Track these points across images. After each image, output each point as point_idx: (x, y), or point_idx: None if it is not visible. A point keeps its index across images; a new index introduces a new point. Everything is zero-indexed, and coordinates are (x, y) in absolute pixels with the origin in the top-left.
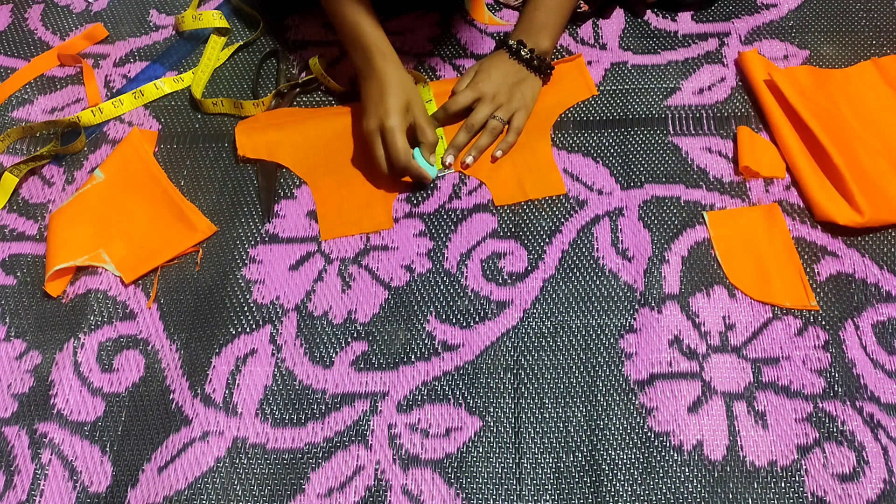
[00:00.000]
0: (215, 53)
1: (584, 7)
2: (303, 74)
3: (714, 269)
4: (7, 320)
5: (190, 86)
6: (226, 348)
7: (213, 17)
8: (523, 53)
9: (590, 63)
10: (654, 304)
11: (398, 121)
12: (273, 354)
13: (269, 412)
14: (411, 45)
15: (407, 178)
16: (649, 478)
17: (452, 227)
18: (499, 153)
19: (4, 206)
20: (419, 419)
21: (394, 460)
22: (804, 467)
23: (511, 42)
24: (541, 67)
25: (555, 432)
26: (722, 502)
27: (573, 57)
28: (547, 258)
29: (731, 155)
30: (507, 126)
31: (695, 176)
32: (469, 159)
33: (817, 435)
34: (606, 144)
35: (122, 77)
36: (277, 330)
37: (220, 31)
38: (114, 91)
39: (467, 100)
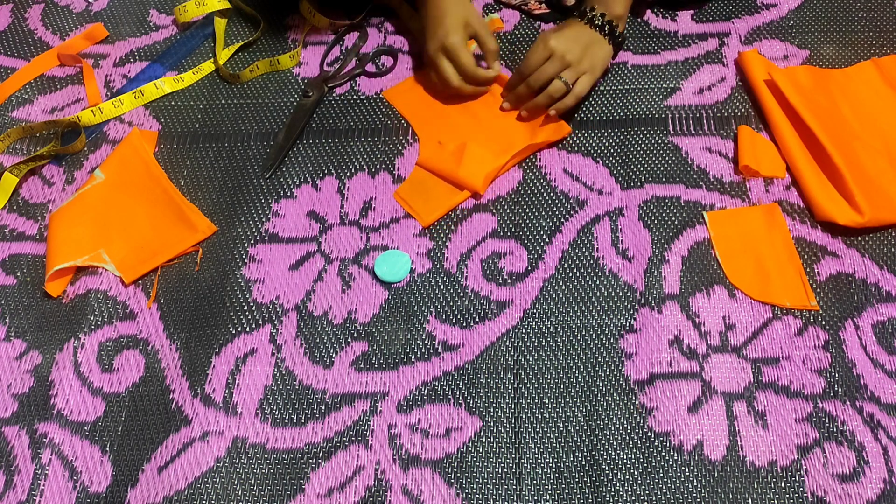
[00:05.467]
0: (222, 34)
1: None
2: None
3: (714, 269)
4: (7, 320)
5: (191, 84)
6: (226, 348)
7: (216, 0)
8: (596, 19)
9: None
10: (654, 304)
11: (458, 37)
12: (273, 354)
13: (269, 412)
14: (412, 45)
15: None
16: (649, 478)
17: (452, 227)
18: (552, 112)
19: (4, 206)
20: (419, 419)
21: (394, 460)
22: (804, 467)
23: (584, 8)
24: (613, 34)
25: (555, 432)
26: (722, 502)
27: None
28: (547, 258)
29: (731, 155)
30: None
31: (695, 176)
32: (524, 114)
33: (817, 435)
34: (606, 144)
35: (122, 77)
36: (277, 330)
37: (221, 14)
38: (114, 91)
39: (540, 58)
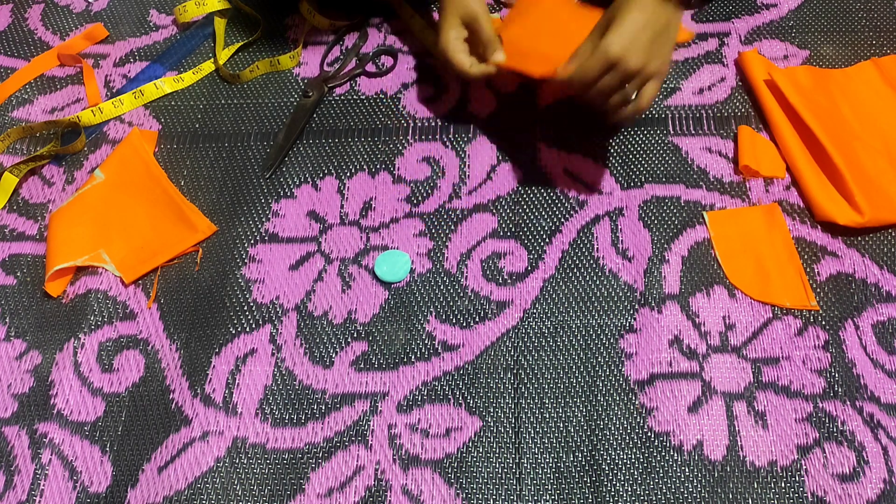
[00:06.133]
0: (222, 34)
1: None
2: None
3: (714, 269)
4: (7, 320)
5: (191, 84)
6: (226, 348)
7: (216, 0)
8: None
9: None
10: (654, 304)
11: (450, 37)
12: (273, 354)
13: (269, 412)
14: (412, 45)
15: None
16: (649, 478)
17: (452, 227)
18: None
19: (4, 206)
20: (419, 419)
21: (394, 460)
22: (804, 467)
23: None
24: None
25: (555, 432)
26: (722, 502)
27: None
28: (547, 258)
29: (731, 155)
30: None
31: (695, 176)
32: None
33: (817, 435)
34: (606, 144)
35: (122, 77)
36: (277, 330)
37: (221, 14)
38: (114, 91)
39: (596, 70)
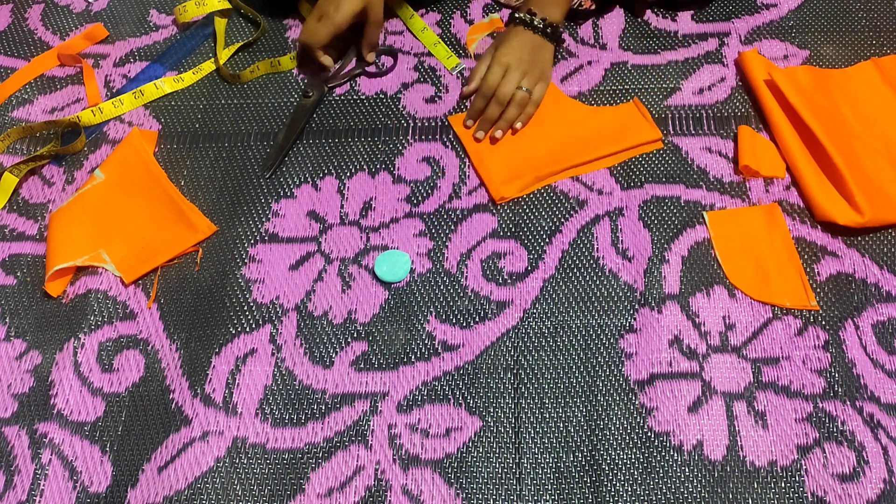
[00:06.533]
0: (222, 34)
1: (587, 4)
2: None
3: (714, 269)
4: (7, 320)
5: (191, 84)
6: (226, 348)
7: (216, 0)
8: (536, 23)
9: (589, 63)
10: (654, 304)
11: (323, 7)
12: (273, 354)
13: (269, 412)
14: (411, 45)
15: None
16: (649, 478)
17: (452, 227)
18: (519, 125)
19: (4, 206)
20: (419, 419)
21: (394, 460)
22: (804, 467)
23: (521, 14)
24: (554, 35)
25: (555, 432)
26: (722, 502)
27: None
28: (547, 258)
29: (731, 155)
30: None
31: (695, 176)
32: (498, 133)
33: (817, 435)
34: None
35: (122, 77)
36: (277, 330)
37: (221, 14)
38: (114, 91)
39: (497, 76)
